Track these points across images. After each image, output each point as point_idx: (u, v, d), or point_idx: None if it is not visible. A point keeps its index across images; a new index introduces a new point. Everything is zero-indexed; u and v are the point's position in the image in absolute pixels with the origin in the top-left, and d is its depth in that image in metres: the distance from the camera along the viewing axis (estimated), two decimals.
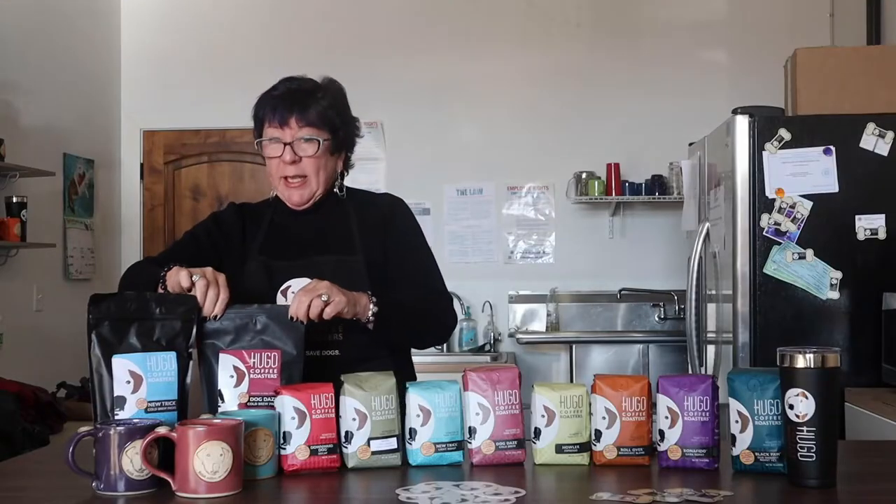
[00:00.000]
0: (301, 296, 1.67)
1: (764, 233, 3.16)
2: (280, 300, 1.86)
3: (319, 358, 1.85)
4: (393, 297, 1.87)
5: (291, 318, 1.66)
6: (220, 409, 1.61)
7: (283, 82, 1.98)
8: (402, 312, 1.87)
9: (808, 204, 3.15)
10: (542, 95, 5.26)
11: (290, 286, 1.86)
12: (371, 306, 1.78)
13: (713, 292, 3.61)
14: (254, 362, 1.63)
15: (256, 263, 1.93)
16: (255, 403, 1.61)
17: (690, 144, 4.15)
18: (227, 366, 1.62)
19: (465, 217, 5.28)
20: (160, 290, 1.68)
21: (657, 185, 5.03)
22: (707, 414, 1.55)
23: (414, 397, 1.59)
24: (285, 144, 1.90)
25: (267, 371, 1.63)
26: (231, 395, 1.61)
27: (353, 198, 2.04)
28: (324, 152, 1.92)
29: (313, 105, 1.92)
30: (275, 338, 1.66)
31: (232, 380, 1.62)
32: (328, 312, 1.68)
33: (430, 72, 5.26)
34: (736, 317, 3.20)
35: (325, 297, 1.67)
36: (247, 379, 1.62)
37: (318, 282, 1.70)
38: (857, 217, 3.14)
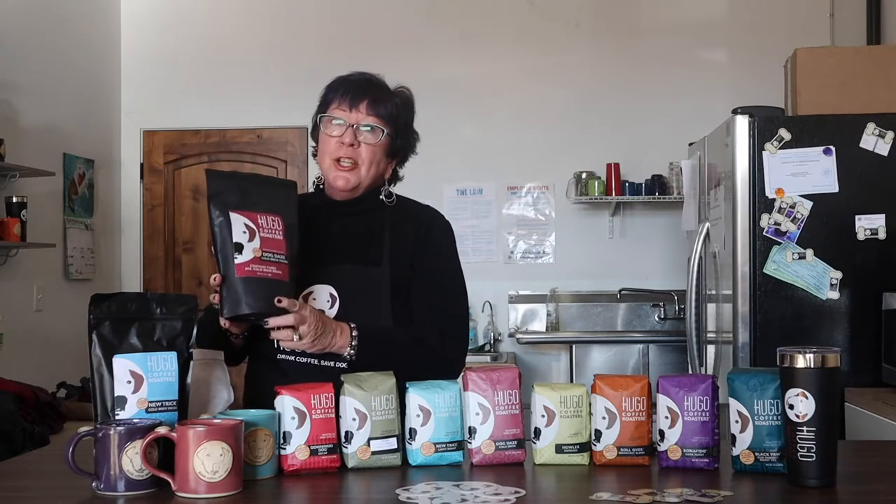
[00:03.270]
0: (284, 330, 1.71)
1: (764, 233, 3.16)
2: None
3: (319, 366, 1.84)
4: (385, 334, 1.85)
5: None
6: (236, 261, 1.66)
7: (359, 72, 1.98)
8: (387, 352, 1.83)
9: (808, 204, 3.15)
10: (542, 95, 5.26)
11: (311, 292, 1.85)
12: (349, 349, 1.78)
13: (713, 292, 3.61)
14: (262, 223, 1.70)
15: None
16: (269, 259, 1.68)
17: (690, 144, 4.15)
18: (238, 223, 1.68)
19: (465, 217, 5.28)
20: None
21: (657, 185, 5.04)
22: (707, 414, 1.55)
23: (414, 397, 1.59)
24: (348, 126, 1.89)
25: (274, 232, 1.70)
26: (247, 247, 1.67)
27: (390, 207, 1.99)
28: (382, 145, 1.91)
29: (387, 99, 1.93)
30: (275, 205, 1.72)
31: (245, 235, 1.68)
32: (294, 345, 1.74)
33: (430, 72, 5.26)
34: (736, 317, 3.20)
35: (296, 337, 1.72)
36: (258, 236, 1.68)
37: (305, 318, 1.71)
38: (857, 217, 3.14)
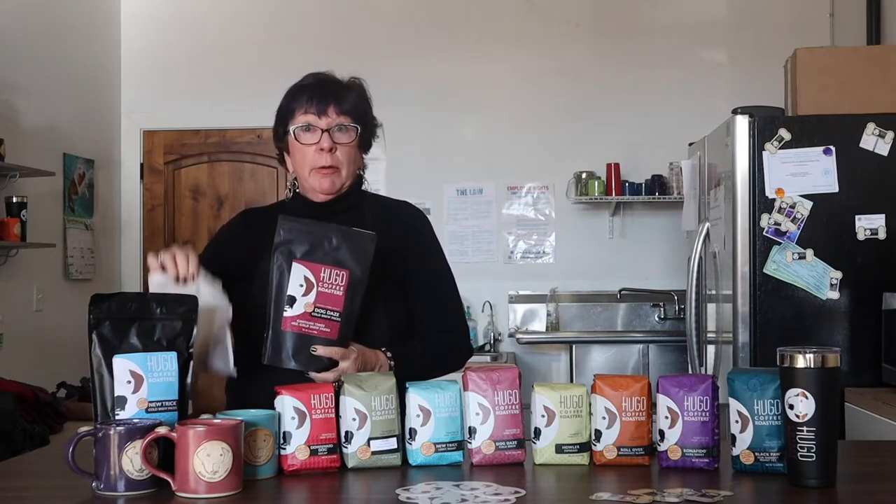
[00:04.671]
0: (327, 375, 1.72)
1: (764, 233, 3.16)
2: None
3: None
4: (408, 350, 1.88)
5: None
6: (285, 314, 1.68)
7: (311, 75, 1.96)
8: (415, 364, 1.86)
9: (808, 204, 3.15)
10: (542, 95, 5.26)
11: None
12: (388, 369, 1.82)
13: (713, 292, 3.61)
14: (324, 277, 1.70)
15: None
16: (319, 315, 1.69)
17: (690, 144, 4.15)
18: (298, 275, 1.69)
19: (465, 217, 5.28)
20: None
21: (657, 185, 5.03)
22: (707, 414, 1.55)
23: (414, 397, 1.60)
24: (323, 131, 1.88)
25: (334, 287, 1.70)
26: (300, 302, 1.69)
27: (369, 203, 2.00)
28: (356, 142, 1.93)
29: (349, 96, 1.93)
30: (346, 258, 1.72)
31: (301, 288, 1.69)
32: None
33: (430, 72, 5.26)
34: (736, 317, 3.20)
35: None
36: (315, 291, 1.70)
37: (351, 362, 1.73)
38: (857, 217, 3.14)
